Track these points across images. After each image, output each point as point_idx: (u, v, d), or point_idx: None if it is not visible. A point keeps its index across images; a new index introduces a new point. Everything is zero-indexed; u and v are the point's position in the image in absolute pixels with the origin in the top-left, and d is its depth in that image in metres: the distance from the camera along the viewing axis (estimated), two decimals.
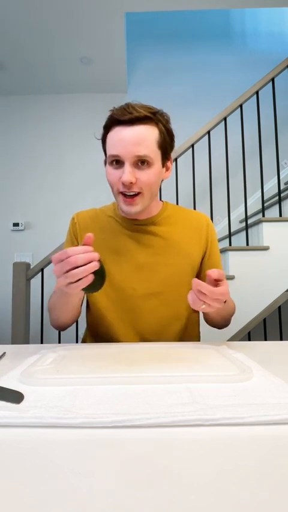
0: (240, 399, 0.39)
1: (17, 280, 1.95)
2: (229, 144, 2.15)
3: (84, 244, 0.63)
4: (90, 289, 0.63)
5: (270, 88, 2.13)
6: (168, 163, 0.88)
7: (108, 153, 0.81)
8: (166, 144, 0.84)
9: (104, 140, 0.84)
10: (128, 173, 0.77)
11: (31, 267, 2.03)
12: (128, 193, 0.80)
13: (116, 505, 0.22)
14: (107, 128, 0.82)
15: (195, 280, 0.64)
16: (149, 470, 0.26)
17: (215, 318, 0.87)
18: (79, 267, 0.59)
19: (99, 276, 0.63)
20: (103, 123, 0.84)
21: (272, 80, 2.11)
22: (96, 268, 0.60)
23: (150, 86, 3.06)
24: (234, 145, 2.30)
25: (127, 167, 0.78)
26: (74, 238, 0.93)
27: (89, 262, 0.59)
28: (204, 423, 0.33)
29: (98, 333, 0.92)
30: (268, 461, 0.27)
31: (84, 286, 0.60)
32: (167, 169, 0.88)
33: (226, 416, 0.34)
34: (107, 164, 0.83)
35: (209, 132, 2.11)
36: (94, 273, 0.60)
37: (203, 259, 0.93)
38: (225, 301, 0.70)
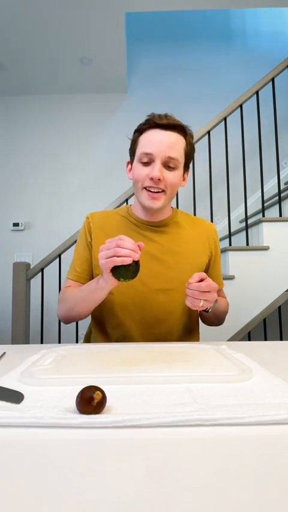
0: (240, 399, 0.39)
1: (17, 280, 1.95)
2: (229, 144, 2.15)
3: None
4: (123, 274, 0.71)
5: (270, 88, 2.12)
6: (186, 175, 0.96)
7: (140, 151, 0.88)
8: (189, 155, 0.93)
9: (134, 142, 0.92)
10: (157, 170, 0.85)
11: (31, 267, 2.03)
12: (153, 190, 0.87)
13: (116, 505, 0.22)
14: (142, 130, 0.90)
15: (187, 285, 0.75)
16: (149, 470, 0.26)
17: (210, 317, 0.96)
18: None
19: (135, 266, 0.71)
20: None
21: (272, 80, 2.11)
22: (136, 259, 0.70)
23: (150, 86, 3.06)
24: (234, 145, 2.29)
25: (158, 164, 0.86)
26: (88, 235, 0.97)
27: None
28: (204, 423, 0.33)
29: (104, 325, 0.94)
30: (268, 461, 0.27)
31: (120, 263, 0.69)
32: (184, 179, 0.96)
33: (226, 416, 0.34)
34: (136, 162, 0.90)
35: (209, 132, 2.11)
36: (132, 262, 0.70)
37: (208, 266, 1.00)
38: (216, 300, 0.82)
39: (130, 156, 0.96)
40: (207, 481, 0.24)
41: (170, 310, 0.92)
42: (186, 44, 3.13)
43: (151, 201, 0.89)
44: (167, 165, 0.87)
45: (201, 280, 0.75)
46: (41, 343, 2.05)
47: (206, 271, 0.99)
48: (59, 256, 2.04)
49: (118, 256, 0.69)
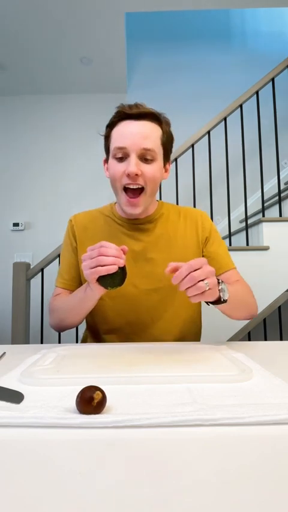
0: (240, 399, 0.39)
1: (17, 280, 1.95)
2: (229, 144, 2.15)
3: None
4: (110, 283, 0.68)
5: (270, 88, 2.13)
6: (167, 165, 0.91)
7: (113, 146, 0.83)
8: (168, 145, 0.87)
9: (107, 137, 0.86)
10: (134, 164, 0.79)
11: (31, 267, 2.03)
12: (132, 187, 0.82)
13: (116, 505, 0.22)
14: (113, 124, 0.84)
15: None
16: (149, 470, 0.26)
17: (234, 308, 0.81)
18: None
19: (121, 272, 0.68)
20: (105, 122, 0.86)
21: (272, 80, 2.11)
22: (122, 265, 0.67)
23: (150, 86, 3.06)
24: (234, 145, 2.29)
25: (133, 159, 0.80)
26: (73, 240, 0.94)
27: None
28: (204, 423, 0.33)
29: (98, 331, 0.92)
30: (268, 461, 0.27)
31: (105, 273, 0.66)
32: (166, 171, 0.91)
33: (226, 416, 0.34)
34: (111, 158, 0.84)
35: (209, 132, 2.11)
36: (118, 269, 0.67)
37: (202, 253, 0.94)
38: (220, 287, 0.68)
39: (105, 153, 0.90)
40: (207, 481, 0.24)
41: (164, 309, 0.89)
42: (186, 44, 3.13)
43: (131, 208, 0.84)
44: (144, 157, 0.81)
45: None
46: (41, 343, 2.05)
47: (203, 256, 0.92)
48: (59, 256, 2.05)
49: (102, 265, 0.65)
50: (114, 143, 0.82)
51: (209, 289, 0.62)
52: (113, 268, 0.65)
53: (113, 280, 0.68)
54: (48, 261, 2.00)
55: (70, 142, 3.08)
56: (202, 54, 3.12)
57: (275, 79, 2.13)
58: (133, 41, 3.03)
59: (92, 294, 0.76)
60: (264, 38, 3.18)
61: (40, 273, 2.03)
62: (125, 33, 2.49)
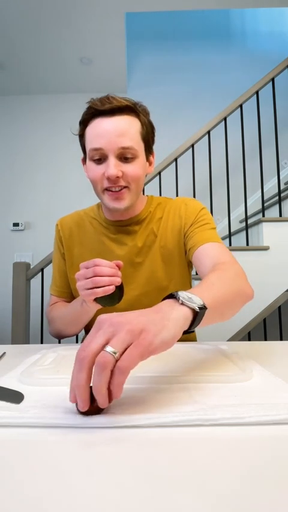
0: (240, 399, 0.39)
1: (17, 280, 1.95)
2: (229, 144, 2.15)
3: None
4: (108, 302, 0.66)
5: (270, 88, 2.12)
6: (151, 158, 0.84)
7: (89, 148, 0.76)
8: (149, 136, 0.81)
9: (82, 136, 0.80)
10: (113, 166, 0.73)
11: (31, 267, 2.03)
12: (114, 189, 0.76)
13: (116, 505, 0.22)
14: (86, 122, 0.77)
15: None
16: (149, 470, 0.26)
17: (217, 316, 0.54)
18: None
19: (119, 291, 0.66)
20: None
21: (272, 80, 2.11)
22: (118, 284, 0.64)
23: (150, 86, 3.06)
24: (234, 145, 2.29)
25: (112, 160, 0.73)
26: (61, 246, 0.91)
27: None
28: (204, 423, 0.33)
29: None
30: (268, 462, 0.27)
31: (102, 294, 0.63)
32: (150, 164, 0.84)
33: (226, 416, 0.34)
34: (88, 160, 0.78)
35: (209, 132, 2.11)
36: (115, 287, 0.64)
37: (185, 244, 0.86)
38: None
39: (83, 152, 0.83)
40: (207, 481, 0.24)
41: None
42: (186, 44, 3.13)
43: (115, 202, 0.77)
44: (123, 156, 0.74)
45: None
46: (41, 343, 2.05)
47: (185, 245, 0.85)
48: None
49: (99, 287, 0.62)
50: (90, 144, 0.76)
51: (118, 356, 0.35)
52: (110, 289, 0.63)
53: (112, 299, 0.66)
54: (48, 261, 2.00)
55: (70, 142, 3.07)
56: (202, 54, 3.12)
57: (275, 79, 2.13)
58: (133, 41, 3.03)
59: (89, 309, 0.74)
60: (264, 38, 3.18)
61: (40, 273, 2.03)
62: (125, 33, 2.49)
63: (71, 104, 3.10)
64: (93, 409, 0.35)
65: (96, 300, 0.66)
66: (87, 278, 0.63)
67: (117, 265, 0.65)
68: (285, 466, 0.26)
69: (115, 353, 0.34)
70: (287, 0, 2.31)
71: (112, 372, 0.34)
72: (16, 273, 1.95)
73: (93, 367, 0.34)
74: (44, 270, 2.03)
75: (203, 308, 0.44)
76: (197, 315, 0.43)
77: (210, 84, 3.08)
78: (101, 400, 0.34)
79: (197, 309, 0.43)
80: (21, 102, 3.10)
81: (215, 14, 3.12)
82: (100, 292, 0.62)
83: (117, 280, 0.64)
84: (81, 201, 2.97)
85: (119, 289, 0.66)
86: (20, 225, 2.99)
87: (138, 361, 0.35)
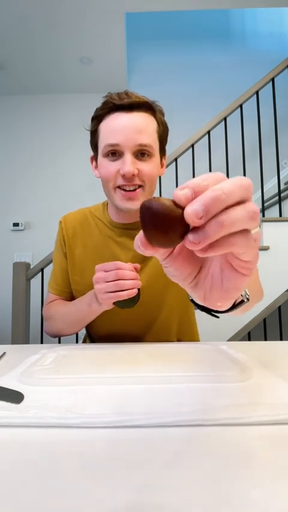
0: (240, 399, 0.39)
1: (17, 280, 1.95)
2: (229, 144, 2.15)
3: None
4: (127, 305, 0.67)
5: (270, 88, 2.13)
6: (163, 160, 0.82)
7: (104, 143, 0.73)
8: (163, 137, 0.79)
9: (94, 132, 0.77)
10: (129, 163, 0.70)
11: (31, 267, 2.03)
12: (128, 188, 0.73)
13: (116, 505, 0.22)
14: (100, 117, 0.75)
15: None
16: (149, 470, 0.26)
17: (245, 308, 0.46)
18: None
19: (138, 293, 0.67)
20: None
21: (272, 80, 2.11)
22: (139, 287, 0.66)
23: (150, 86, 3.06)
24: (234, 145, 2.29)
25: (128, 157, 0.70)
26: (63, 245, 0.88)
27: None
28: (204, 423, 0.33)
29: (94, 340, 0.90)
30: (268, 462, 0.27)
31: (126, 297, 0.64)
32: (162, 166, 0.82)
33: (226, 416, 0.34)
34: (101, 156, 0.75)
35: (209, 132, 2.11)
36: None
37: None
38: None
39: (92, 150, 0.80)
40: (207, 481, 0.24)
41: (153, 319, 0.83)
42: (186, 44, 3.13)
43: (128, 202, 0.73)
44: (140, 154, 0.72)
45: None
46: (41, 343, 2.05)
47: None
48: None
49: (123, 290, 0.62)
50: (105, 140, 0.73)
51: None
52: (134, 293, 0.64)
53: (132, 302, 0.67)
54: (48, 261, 2.00)
55: (70, 142, 3.08)
56: (202, 54, 3.12)
57: (275, 79, 2.13)
58: (133, 41, 3.03)
59: (98, 309, 0.72)
60: (264, 38, 3.18)
61: (40, 273, 2.03)
62: (125, 33, 2.50)
63: (71, 104, 3.10)
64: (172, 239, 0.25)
65: (115, 302, 0.67)
66: (108, 281, 0.63)
67: (135, 268, 0.66)
68: (285, 466, 0.26)
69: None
70: (287, 0, 2.31)
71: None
72: (16, 273, 1.96)
73: None
74: (44, 270, 2.03)
75: (247, 300, 0.41)
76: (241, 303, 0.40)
77: (210, 84, 3.08)
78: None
79: (246, 297, 0.41)
80: (21, 102, 3.10)
81: (215, 14, 3.12)
82: (125, 295, 0.63)
83: (139, 284, 0.64)
84: (81, 201, 2.97)
85: (138, 291, 0.67)
86: (20, 225, 2.99)
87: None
